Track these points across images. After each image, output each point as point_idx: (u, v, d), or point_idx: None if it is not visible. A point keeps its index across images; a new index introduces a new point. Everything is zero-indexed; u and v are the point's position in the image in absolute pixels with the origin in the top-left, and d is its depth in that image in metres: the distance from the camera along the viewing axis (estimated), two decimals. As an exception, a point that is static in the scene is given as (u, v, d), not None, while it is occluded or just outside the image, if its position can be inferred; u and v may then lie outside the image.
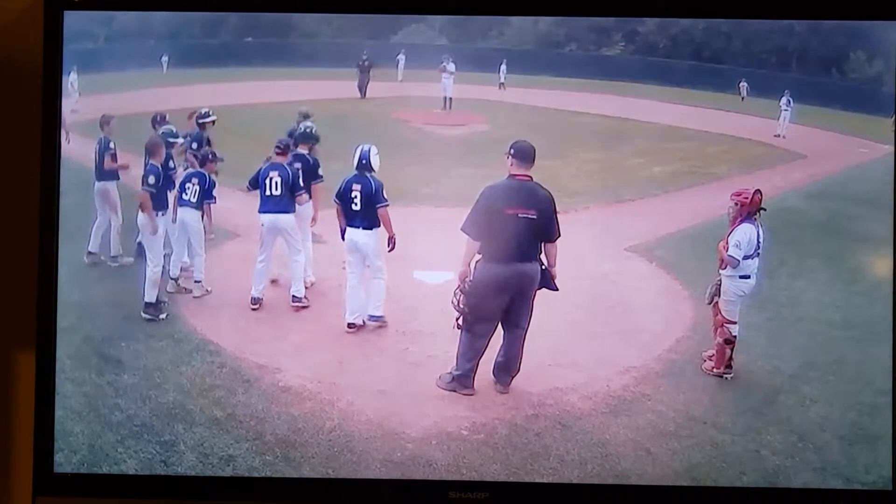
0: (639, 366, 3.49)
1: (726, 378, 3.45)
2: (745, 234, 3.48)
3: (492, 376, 3.48)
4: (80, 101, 3.37)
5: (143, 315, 3.68)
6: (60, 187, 3.01)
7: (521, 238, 3.42)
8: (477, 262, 3.46)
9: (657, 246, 4.14)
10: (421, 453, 3.07)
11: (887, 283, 3.02)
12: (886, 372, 2.99)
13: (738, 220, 3.49)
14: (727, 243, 3.51)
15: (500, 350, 3.50)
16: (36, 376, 2.96)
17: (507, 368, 3.48)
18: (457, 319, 3.45)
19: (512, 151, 3.46)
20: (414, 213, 3.99)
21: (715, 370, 3.47)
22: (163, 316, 3.73)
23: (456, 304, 3.46)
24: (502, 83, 4.71)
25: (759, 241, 3.50)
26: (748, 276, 3.52)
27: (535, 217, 3.41)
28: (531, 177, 3.43)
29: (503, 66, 4.63)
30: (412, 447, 3.09)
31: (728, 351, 3.48)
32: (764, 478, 3.03)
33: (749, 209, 3.47)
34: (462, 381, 3.43)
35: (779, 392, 3.31)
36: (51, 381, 2.98)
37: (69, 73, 3.27)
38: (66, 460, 2.99)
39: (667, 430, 3.18)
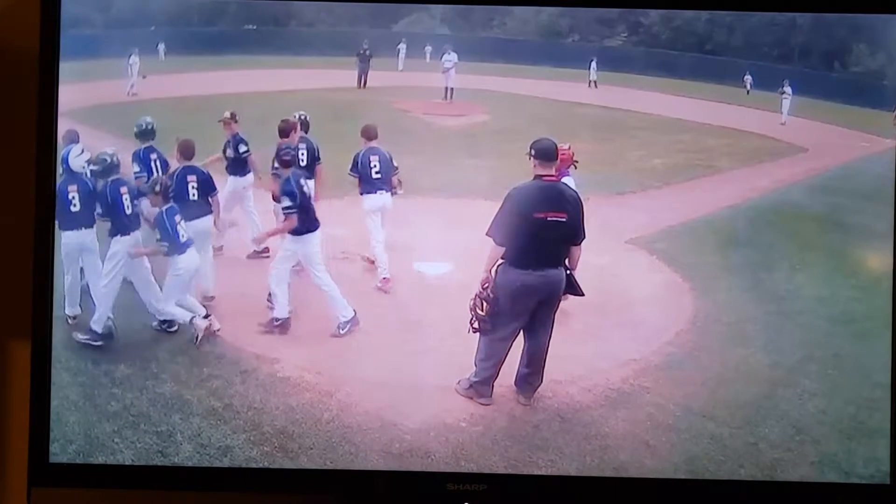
0: (638, 358, 3.48)
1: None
2: (570, 182, 3.63)
3: (514, 387, 3.36)
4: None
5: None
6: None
7: (550, 242, 3.29)
8: (499, 266, 3.32)
9: (658, 239, 4.12)
10: (419, 445, 3.06)
11: (887, 278, 3.02)
12: (885, 366, 2.98)
13: (560, 173, 3.60)
14: None
15: (521, 360, 3.38)
16: (31, 365, 2.93)
17: (530, 380, 3.34)
18: (471, 323, 3.32)
19: (533, 152, 3.31)
20: (414, 203, 3.97)
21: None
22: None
23: (473, 307, 3.32)
24: (594, 80, 4.45)
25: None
26: None
27: (564, 220, 3.29)
28: (558, 177, 3.34)
29: (594, 64, 4.37)
30: (410, 439, 3.07)
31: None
32: (762, 471, 3.03)
33: (569, 163, 3.63)
34: (479, 388, 3.31)
35: (777, 385, 3.30)
36: (46, 371, 2.94)
37: (130, 55, 3.23)
38: (61, 450, 2.96)
39: (665, 423, 3.18)
